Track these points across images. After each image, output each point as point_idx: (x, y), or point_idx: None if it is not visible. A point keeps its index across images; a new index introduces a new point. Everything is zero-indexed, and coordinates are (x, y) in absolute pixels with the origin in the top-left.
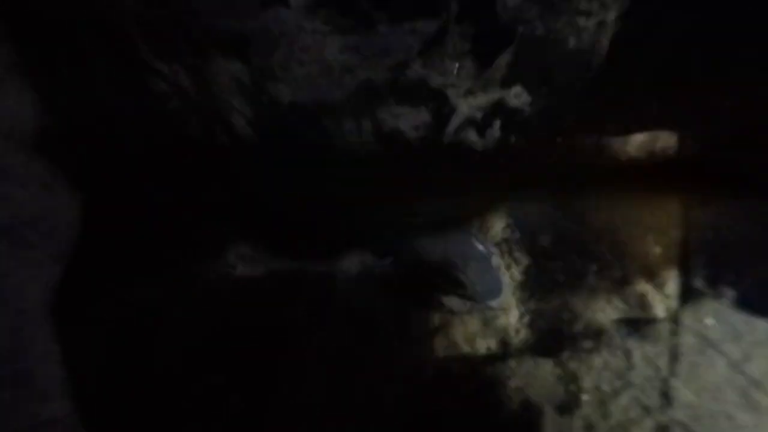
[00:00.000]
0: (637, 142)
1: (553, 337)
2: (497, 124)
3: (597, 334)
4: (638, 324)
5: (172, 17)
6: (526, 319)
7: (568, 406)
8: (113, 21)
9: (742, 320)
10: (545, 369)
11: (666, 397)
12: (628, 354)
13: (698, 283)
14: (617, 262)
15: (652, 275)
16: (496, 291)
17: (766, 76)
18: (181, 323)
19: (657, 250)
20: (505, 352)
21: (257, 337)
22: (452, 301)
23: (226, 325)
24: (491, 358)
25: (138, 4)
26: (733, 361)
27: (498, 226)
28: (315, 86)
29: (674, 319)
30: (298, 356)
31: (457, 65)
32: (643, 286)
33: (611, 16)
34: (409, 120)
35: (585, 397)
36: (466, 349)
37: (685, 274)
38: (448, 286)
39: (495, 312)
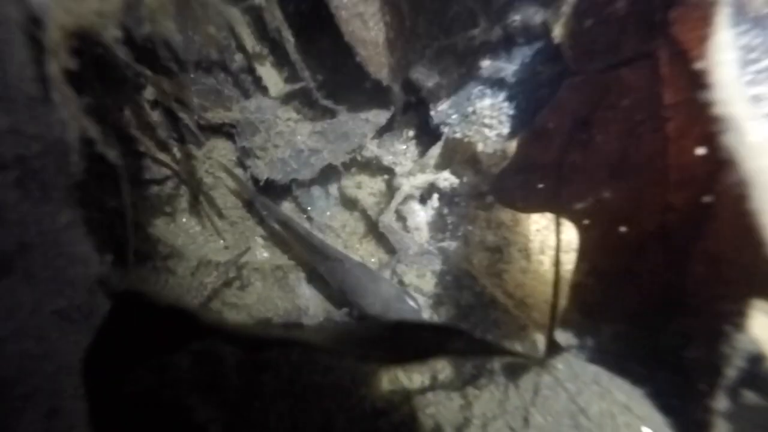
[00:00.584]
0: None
1: (467, 376)
2: (435, 197)
3: (491, 373)
4: (516, 368)
5: (168, 111)
6: (451, 360)
7: (463, 426)
8: None
9: (578, 366)
10: (454, 400)
11: (526, 420)
12: (505, 390)
13: (562, 336)
14: (520, 316)
15: (542, 325)
16: None
17: None
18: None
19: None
20: (433, 384)
21: None
22: None
23: None
24: (423, 390)
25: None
26: (570, 394)
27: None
28: (287, 167)
29: (540, 362)
30: None
31: (404, 147)
32: (534, 335)
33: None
34: (367, 188)
35: (474, 421)
36: (405, 382)
37: (551, 331)
38: None
39: None
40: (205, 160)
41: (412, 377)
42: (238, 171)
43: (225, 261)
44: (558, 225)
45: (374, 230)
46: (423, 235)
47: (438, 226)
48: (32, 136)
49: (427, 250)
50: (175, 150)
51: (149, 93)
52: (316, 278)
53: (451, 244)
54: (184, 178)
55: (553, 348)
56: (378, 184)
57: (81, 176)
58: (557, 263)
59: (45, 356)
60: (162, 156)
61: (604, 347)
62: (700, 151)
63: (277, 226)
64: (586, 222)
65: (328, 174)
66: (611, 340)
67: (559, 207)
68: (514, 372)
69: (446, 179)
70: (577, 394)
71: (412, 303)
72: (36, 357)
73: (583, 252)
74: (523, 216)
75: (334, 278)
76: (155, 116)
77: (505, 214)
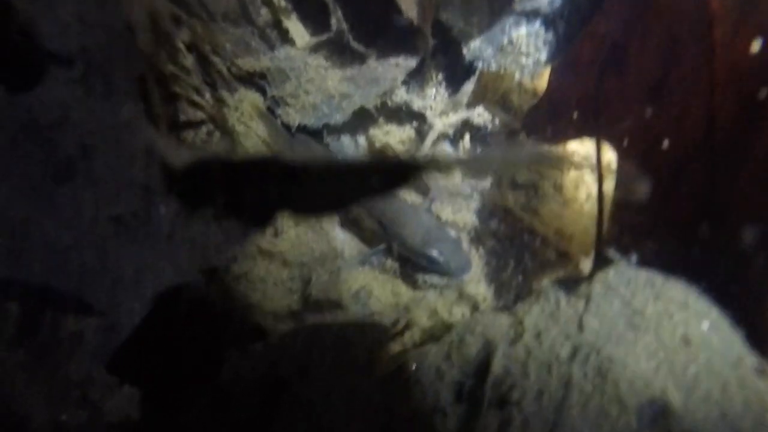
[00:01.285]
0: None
1: (511, 299)
2: (467, 137)
3: (539, 293)
4: (567, 282)
5: (201, 56)
6: (492, 288)
7: (514, 340)
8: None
9: (631, 272)
10: (503, 319)
11: (580, 327)
12: (557, 302)
13: (609, 252)
14: (561, 243)
15: (584, 251)
16: (466, 267)
17: None
18: None
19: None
20: (476, 312)
21: None
22: (432, 278)
23: None
24: (466, 318)
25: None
26: (624, 299)
27: (469, 215)
28: (319, 112)
29: (590, 276)
30: None
31: (434, 91)
32: (577, 258)
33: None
34: (396, 136)
35: (526, 334)
36: (446, 316)
37: (599, 247)
38: (427, 266)
39: (467, 284)
40: (236, 109)
41: (452, 311)
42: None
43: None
44: (599, 146)
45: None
46: (456, 176)
47: (469, 168)
48: (98, 24)
49: (461, 189)
50: (208, 96)
51: (184, 35)
52: (349, 222)
53: (484, 184)
54: (218, 124)
55: (602, 259)
56: (407, 131)
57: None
58: (600, 176)
59: (103, 268)
60: (197, 98)
61: (650, 262)
62: (756, 45)
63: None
64: (625, 144)
65: (356, 124)
66: (656, 256)
67: (596, 133)
68: (563, 288)
69: (480, 115)
70: (631, 298)
71: (452, 232)
72: (95, 270)
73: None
74: (556, 152)
75: (374, 211)
76: (190, 60)
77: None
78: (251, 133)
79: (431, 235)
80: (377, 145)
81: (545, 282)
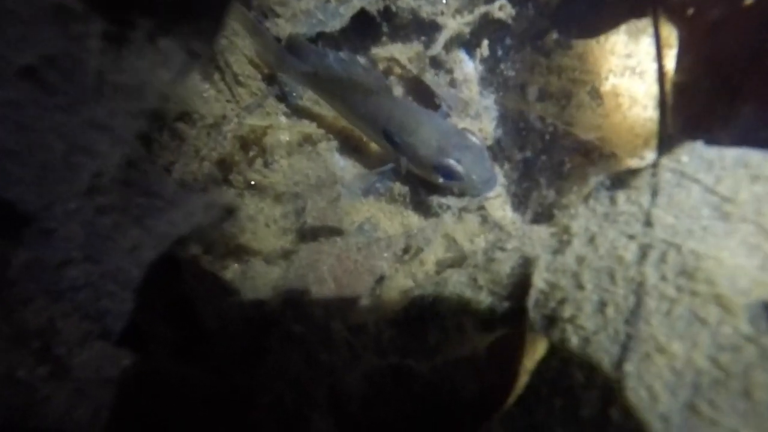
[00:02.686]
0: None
1: (545, 216)
2: (485, 43)
3: (587, 193)
4: (622, 176)
5: None
6: (520, 208)
7: (559, 249)
8: None
9: (712, 152)
10: (539, 230)
11: (648, 224)
12: (612, 199)
13: (672, 132)
14: (605, 146)
15: (634, 152)
16: (491, 180)
17: None
18: None
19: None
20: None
21: None
22: (449, 200)
23: None
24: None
25: None
26: (706, 185)
27: (490, 125)
28: (312, 19)
29: (654, 164)
30: None
31: None
32: (627, 161)
33: None
34: (402, 54)
35: (575, 240)
36: (467, 246)
37: (664, 131)
38: (444, 181)
39: (490, 206)
40: None
41: (474, 239)
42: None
43: (249, 102)
44: (656, 17)
45: (416, 89)
46: (473, 88)
47: (490, 77)
48: None
49: (480, 101)
50: None
51: None
52: (350, 149)
53: (507, 95)
54: None
55: (668, 141)
56: (415, 48)
57: None
58: (660, 52)
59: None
60: None
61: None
62: None
63: (305, 85)
64: (690, 12)
65: (356, 40)
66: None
67: (654, 3)
68: (617, 183)
69: (502, 8)
70: (715, 183)
71: (473, 138)
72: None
73: (689, 46)
74: (592, 56)
75: (378, 116)
76: None
77: (569, 59)
78: (235, 49)
79: (449, 140)
80: (381, 65)
81: (593, 179)
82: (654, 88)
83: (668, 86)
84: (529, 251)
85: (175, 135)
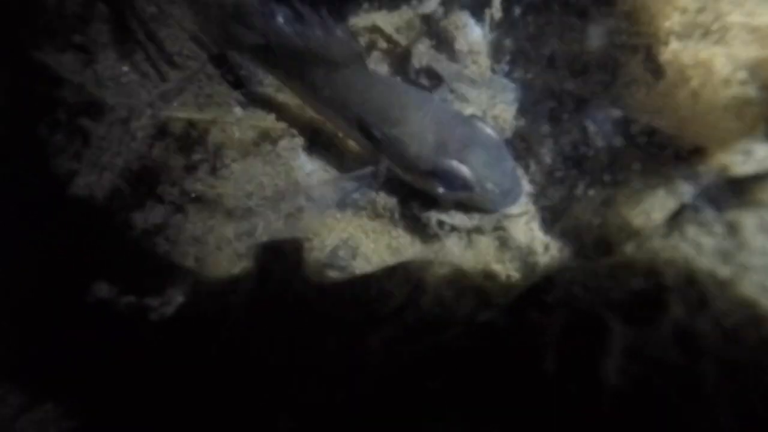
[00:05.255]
0: None
1: (600, 246)
2: (496, 0)
3: (671, 219)
4: (736, 184)
5: None
6: (558, 229)
7: (648, 316)
8: None
9: None
10: (597, 270)
11: None
12: (732, 227)
13: None
14: (681, 134)
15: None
16: (514, 191)
17: None
18: None
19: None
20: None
21: None
22: (454, 217)
23: None
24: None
25: None
26: None
27: (508, 110)
28: None
29: None
30: None
31: None
32: (718, 155)
33: None
34: (389, 23)
35: (672, 296)
36: (477, 281)
37: None
38: (446, 192)
39: (512, 224)
40: None
41: (490, 269)
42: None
43: (164, 90)
44: None
45: (405, 69)
46: (482, 61)
47: (505, 46)
48: None
49: (493, 77)
50: None
51: None
52: (319, 147)
53: (530, 70)
54: None
55: None
56: (405, 15)
57: None
58: None
59: None
60: None
61: None
62: None
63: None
64: None
65: (329, 6)
66: None
67: None
68: (731, 195)
69: None
70: None
71: (487, 129)
72: None
73: None
74: (645, 12)
75: (350, 100)
76: None
77: (612, 18)
78: (168, 20)
79: (451, 132)
80: (363, 39)
81: (682, 187)
82: (743, 54)
83: None
84: (587, 309)
85: (76, 134)
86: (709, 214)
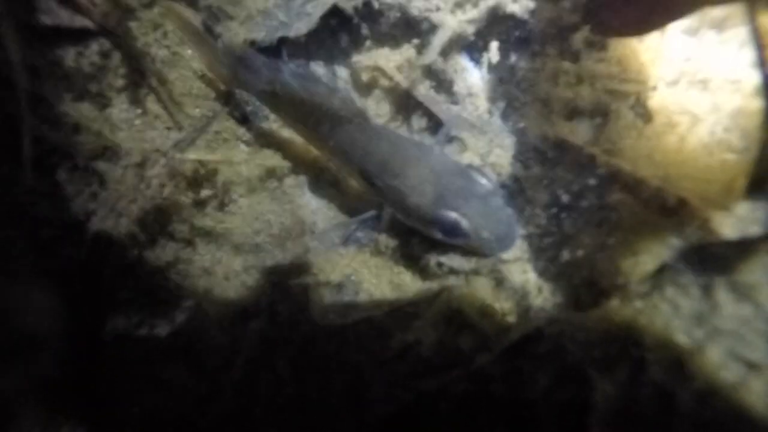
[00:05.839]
0: None
1: (590, 290)
2: (494, 45)
3: (654, 274)
4: (712, 249)
5: None
6: (551, 271)
7: (630, 374)
8: None
9: None
10: (584, 324)
11: None
12: (707, 291)
13: None
14: (666, 188)
15: (714, 198)
16: (508, 238)
17: None
18: None
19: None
20: (524, 317)
21: None
22: (453, 260)
23: None
24: (505, 329)
25: None
26: None
27: (505, 155)
28: (273, 20)
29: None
30: None
31: None
32: (705, 212)
33: None
34: (390, 60)
35: (651, 356)
36: (475, 320)
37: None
38: (445, 238)
39: (507, 267)
40: (152, 25)
41: (485, 311)
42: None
43: (181, 137)
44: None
45: (406, 108)
46: (480, 104)
47: (502, 90)
48: None
49: (490, 121)
50: None
51: None
52: (325, 184)
53: (525, 113)
54: (119, 40)
55: None
56: (406, 52)
57: None
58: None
59: None
60: None
61: None
62: None
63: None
64: None
65: (332, 47)
66: None
67: None
68: (708, 260)
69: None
70: None
71: (483, 179)
72: None
73: None
74: (635, 60)
75: (353, 151)
76: None
77: (605, 65)
78: (180, 62)
79: (450, 184)
80: (365, 77)
81: (664, 248)
82: (726, 104)
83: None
84: (574, 363)
85: (91, 177)
86: (687, 276)
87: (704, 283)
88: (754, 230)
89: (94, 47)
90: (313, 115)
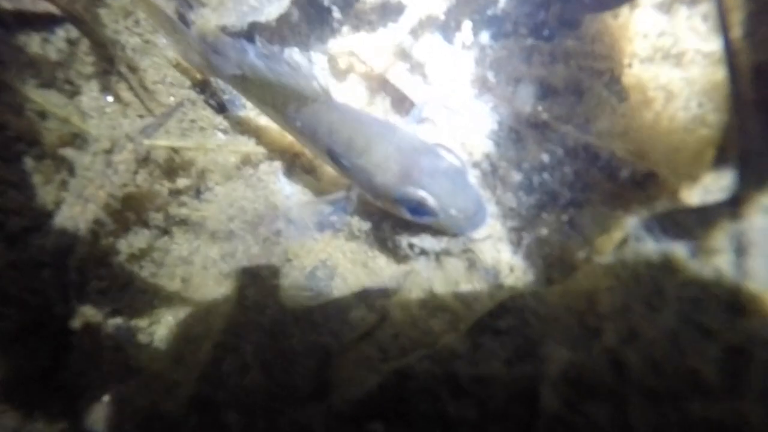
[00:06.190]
0: None
1: (561, 268)
2: (466, 25)
3: (619, 246)
4: (675, 217)
5: None
6: (523, 250)
7: (586, 338)
8: None
9: None
10: (550, 295)
11: (732, 311)
12: (666, 256)
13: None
14: (637, 162)
15: (683, 172)
16: (478, 215)
17: None
18: None
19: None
20: (495, 296)
21: None
22: (424, 241)
23: None
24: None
25: None
26: None
27: (477, 136)
28: (243, 5)
29: (734, 201)
30: None
31: None
32: (674, 184)
33: None
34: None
35: (607, 326)
36: (447, 301)
37: (745, 143)
38: (413, 217)
39: (480, 246)
40: (123, 13)
41: (458, 289)
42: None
43: (147, 123)
44: None
45: (381, 92)
46: (453, 84)
47: (474, 70)
48: None
49: (463, 101)
50: None
51: None
52: (300, 170)
53: (498, 93)
54: (84, 22)
55: (751, 160)
56: (380, 36)
57: None
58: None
59: None
60: None
61: None
62: None
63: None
64: None
65: (307, 32)
66: None
67: None
68: (670, 227)
69: None
70: None
71: (450, 157)
72: None
73: None
74: (608, 37)
75: (319, 131)
76: None
77: (578, 42)
78: (152, 50)
79: (415, 161)
80: (341, 63)
81: (629, 219)
82: (700, 78)
83: (745, 71)
84: (535, 336)
85: (60, 165)
86: (648, 244)
87: (664, 250)
88: (719, 197)
89: (61, 33)
90: (280, 97)
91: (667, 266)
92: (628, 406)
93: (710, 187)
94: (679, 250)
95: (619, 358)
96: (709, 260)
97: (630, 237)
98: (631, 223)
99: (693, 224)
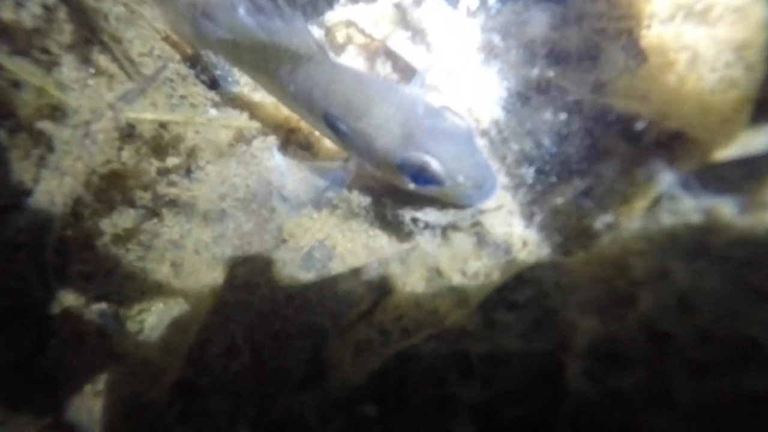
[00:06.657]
0: None
1: (579, 239)
2: None
3: (650, 207)
4: (716, 170)
5: None
6: (536, 223)
7: (617, 310)
8: None
9: None
10: (569, 265)
11: None
12: (709, 213)
13: None
14: (663, 122)
15: (713, 132)
16: (488, 184)
17: None
18: None
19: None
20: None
21: None
22: (428, 214)
23: None
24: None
25: None
26: None
27: (484, 102)
28: None
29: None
30: None
31: None
32: (706, 144)
33: None
34: (367, 17)
35: (642, 296)
36: (454, 280)
37: None
38: (416, 185)
39: (489, 219)
40: None
41: (466, 267)
42: None
43: (128, 89)
44: None
45: (382, 61)
46: (458, 52)
47: (481, 36)
48: None
49: (469, 68)
50: None
51: None
52: (295, 146)
53: (506, 58)
54: None
55: None
56: (383, 7)
57: None
58: None
59: None
60: None
61: None
62: None
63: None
64: None
65: (304, 2)
66: None
67: None
68: (711, 180)
69: None
70: None
71: (457, 120)
72: None
73: None
74: None
75: (314, 93)
76: None
77: (592, 2)
78: (138, 19)
79: (419, 124)
80: (339, 36)
81: (662, 176)
82: (728, 35)
83: None
84: (557, 307)
85: (39, 139)
86: (686, 202)
87: (706, 207)
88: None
89: (36, 3)
90: (272, 60)
91: (710, 225)
92: (671, 381)
93: (750, 143)
94: (724, 206)
95: (658, 327)
96: (762, 216)
97: (663, 196)
98: (664, 181)
99: (740, 177)
